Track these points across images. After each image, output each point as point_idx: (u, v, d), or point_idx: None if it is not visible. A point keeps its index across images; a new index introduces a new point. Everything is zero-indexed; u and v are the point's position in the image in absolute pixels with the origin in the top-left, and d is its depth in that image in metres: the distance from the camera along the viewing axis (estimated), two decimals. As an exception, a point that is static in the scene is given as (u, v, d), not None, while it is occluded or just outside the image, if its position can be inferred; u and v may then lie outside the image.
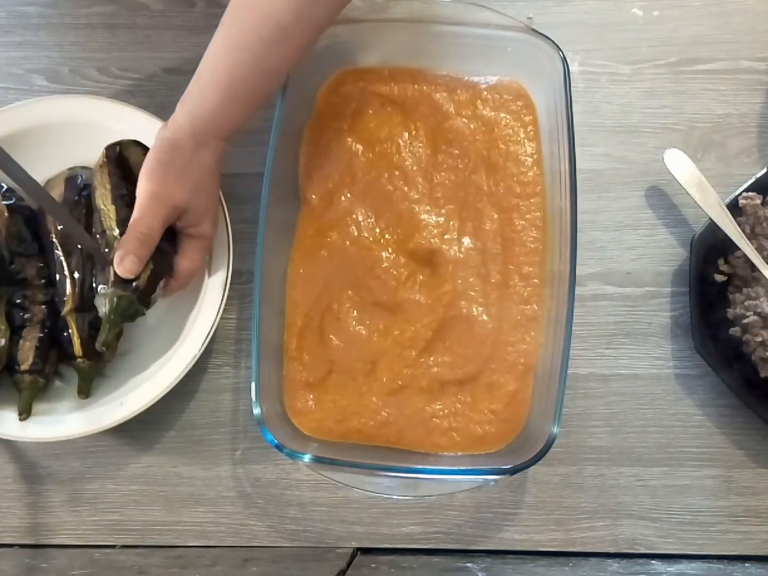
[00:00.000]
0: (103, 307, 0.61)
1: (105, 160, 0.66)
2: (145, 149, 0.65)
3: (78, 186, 0.68)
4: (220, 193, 0.68)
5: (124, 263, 0.60)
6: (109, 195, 0.65)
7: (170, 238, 0.64)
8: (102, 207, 0.65)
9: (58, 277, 0.67)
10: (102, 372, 0.68)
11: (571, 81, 0.66)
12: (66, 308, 0.66)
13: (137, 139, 0.68)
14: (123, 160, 0.67)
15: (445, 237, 0.68)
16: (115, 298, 0.61)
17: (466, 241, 0.68)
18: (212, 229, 0.65)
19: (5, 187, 0.69)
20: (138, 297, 0.61)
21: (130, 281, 0.61)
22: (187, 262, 0.64)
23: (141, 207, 0.61)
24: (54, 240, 0.67)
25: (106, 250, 0.63)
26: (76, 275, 0.66)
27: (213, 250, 0.68)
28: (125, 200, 0.64)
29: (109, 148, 0.67)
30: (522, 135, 0.71)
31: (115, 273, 0.60)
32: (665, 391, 0.69)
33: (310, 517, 0.68)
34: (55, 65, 0.73)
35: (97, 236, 0.65)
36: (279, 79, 0.63)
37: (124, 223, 0.62)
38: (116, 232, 0.63)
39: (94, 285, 0.64)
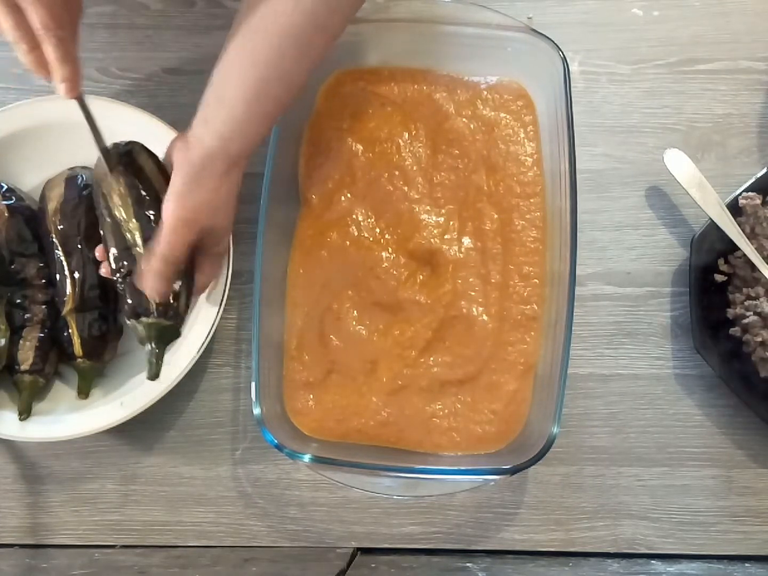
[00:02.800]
0: (146, 337, 0.61)
1: (121, 168, 0.62)
2: (152, 154, 0.64)
3: (78, 186, 0.68)
4: None
5: (158, 288, 0.59)
6: (131, 209, 0.61)
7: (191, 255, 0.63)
8: (122, 219, 0.62)
9: (58, 277, 0.67)
10: (102, 372, 0.68)
11: (571, 81, 0.66)
12: (66, 308, 0.66)
13: (140, 142, 0.66)
14: (139, 170, 0.63)
15: (445, 237, 0.68)
16: (159, 327, 0.61)
17: (466, 241, 0.68)
18: (224, 246, 0.66)
19: (5, 187, 0.69)
20: (178, 322, 0.62)
21: (170, 308, 0.61)
22: (203, 278, 0.64)
23: (170, 231, 0.58)
24: (54, 240, 0.67)
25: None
26: (76, 275, 0.66)
27: (213, 250, 0.68)
28: (147, 218, 0.61)
29: (121, 155, 0.63)
30: (522, 135, 0.71)
31: (156, 302, 0.60)
32: (665, 391, 0.69)
33: (310, 517, 0.68)
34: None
35: (113, 249, 0.62)
36: (298, 91, 0.62)
37: (148, 241, 0.60)
38: (142, 249, 0.61)
39: (127, 305, 0.62)
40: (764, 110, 0.74)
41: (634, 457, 0.68)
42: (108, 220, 0.62)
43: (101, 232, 0.63)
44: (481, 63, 0.71)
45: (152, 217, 0.61)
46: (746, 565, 0.66)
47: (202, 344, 0.66)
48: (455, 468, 0.62)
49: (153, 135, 0.69)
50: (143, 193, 0.62)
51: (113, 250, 0.62)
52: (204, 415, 0.70)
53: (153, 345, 0.61)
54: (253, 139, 0.60)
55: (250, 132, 0.60)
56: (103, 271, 0.63)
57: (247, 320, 0.71)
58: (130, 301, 0.61)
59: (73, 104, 0.70)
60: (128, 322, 0.62)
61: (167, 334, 0.62)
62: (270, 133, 0.64)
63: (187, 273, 0.62)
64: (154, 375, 0.61)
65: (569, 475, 0.68)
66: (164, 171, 0.63)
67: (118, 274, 0.62)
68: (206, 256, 0.64)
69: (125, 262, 0.61)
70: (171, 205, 0.59)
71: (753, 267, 0.67)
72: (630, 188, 0.73)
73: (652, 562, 0.67)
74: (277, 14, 0.57)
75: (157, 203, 0.60)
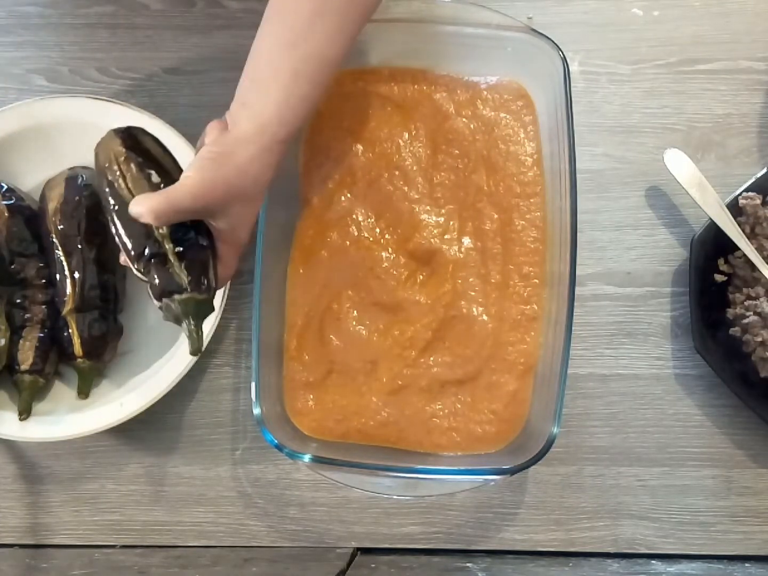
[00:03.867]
0: (182, 313, 0.58)
1: (125, 150, 0.60)
2: (154, 137, 0.64)
3: (78, 186, 0.68)
4: None
5: (145, 208, 0.55)
6: (146, 183, 0.59)
7: (195, 226, 0.59)
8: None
9: (58, 277, 0.67)
10: (102, 372, 0.68)
11: (571, 81, 0.66)
12: (66, 308, 0.66)
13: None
14: (145, 151, 0.61)
15: (445, 237, 0.68)
16: (195, 302, 0.58)
17: (466, 241, 0.68)
18: (249, 237, 0.62)
19: (5, 187, 0.69)
20: (211, 296, 0.59)
21: (202, 282, 0.58)
22: (225, 270, 0.62)
23: (180, 193, 0.56)
24: (54, 240, 0.67)
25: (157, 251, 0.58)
26: (76, 275, 0.66)
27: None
28: None
29: (125, 138, 0.61)
30: (522, 135, 0.71)
31: (187, 277, 0.57)
32: (665, 391, 0.69)
33: (310, 517, 0.68)
34: (55, 65, 0.73)
35: (126, 238, 0.59)
36: (335, 71, 0.61)
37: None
38: (164, 230, 0.58)
39: (155, 287, 0.58)
40: (764, 110, 0.74)
41: (634, 457, 0.68)
42: (118, 207, 0.59)
43: (112, 223, 0.60)
44: (481, 63, 0.71)
45: None
46: (746, 565, 0.66)
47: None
48: (455, 468, 0.62)
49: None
50: (154, 172, 0.60)
51: (129, 238, 0.59)
52: (204, 415, 0.70)
53: (191, 320, 0.58)
54: (290, 122, 0.59)
55: (287, 116, 0.58)
56: (123, 258, 0.60)
57: (247, 320, 0.71)
58: (158, 281, 0.58)
59: (73, 104, 0.70)
60: (160, 302, 0.58)
61: (202, 308, 0.59)
62: (310, 115, 0.61)
63: (215, 251, 0.60)
64: (197, 350, 0.58)
65: (569, 475, 0.68)
66: (169, 153, 0.62)
67: (138, 261, 0.58)
68: (225, 246, 0.61)
69: (145, 247, 0.58)
70: (189, 173, 0.57)
71: (753, 267, 0.67)
72: (630, 188, 0.73)
73: (652, 562, 0.67)
74: None
75: (171, 182, 0.58)
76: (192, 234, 0.59)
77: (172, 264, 0.58)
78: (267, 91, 0.58)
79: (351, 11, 0.59)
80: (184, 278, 0.58)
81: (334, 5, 0.57)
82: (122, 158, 0.60)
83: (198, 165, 0.57)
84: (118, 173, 0.60)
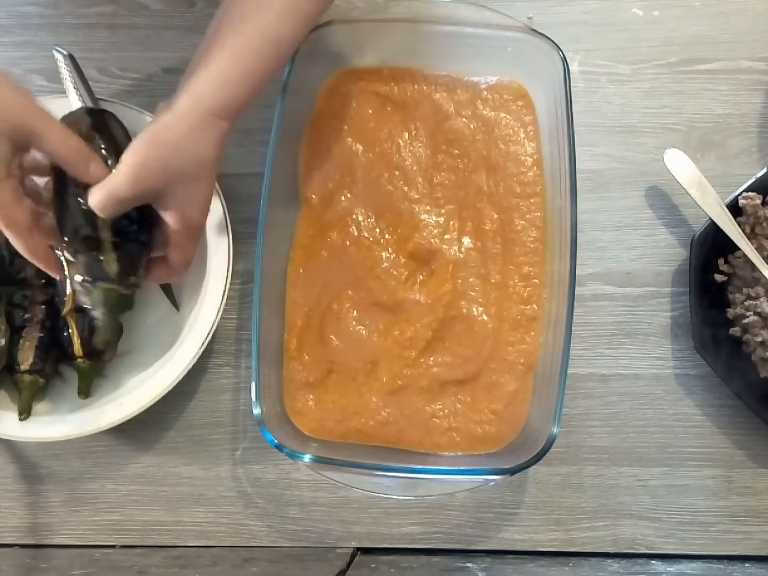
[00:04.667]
0: (100, 303, 0.59)
1: (92, 131, 0.61)
2: (122, 125, 0.64)
3: (78, 186, 0.68)
4: (218, 189, 0.67)
5: (105, 204, 0.56)
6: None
7: (141, 220, 0.60)
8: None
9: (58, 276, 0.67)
10: (102, 372, 0.68)
11: (571, 81, 0.66)
12: (66, 308, 0.66)
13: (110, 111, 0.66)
14: (111, 137, 0.62)
15: (445, 237, 0.68)
16: (117, 295, 0.59)
17: (466, 241, 0.68)
18: (200, 217, 0.60)
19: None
20: (133, 293, 0.60)
21: (130, 278, 0.59)
22: (178, 255, 0.61)
23: (115, 175, 0.56)
24: (54, 240, 0.67)
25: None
26: (76, 275, 0.66)
27: (213, 251, 0.68)
28: None
29: (95, 120, 0.62)
30: (522, 135, 0.71)
31: (117, 268, 0.58)
32: (665, 391, 0.69)
33: (310, 517, 0.68)
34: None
35: (66, 215, 0.59)
36: (287, 53, 0.61)
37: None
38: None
39: (83, 266, 0.59)
40: (764, 110, 0.74)
41: (634, 457, 0.68)
42: (68, 187, 0.59)
43: (58, 199, 0.59)
44: (481, 63, 0.71)
45: None
46: (746, 565, 0.66)
47: (202, 344, 0.66)
48: (455, 468, 0.62)
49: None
50: (112, 160, 0.59)
51: (69, 217, 0.59)
52: (204, 415, 0.70)
53: (107, 311, 0.59)
54: (229, 96, 0.58)
55: (225, 90, 0.58)
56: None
57: (247, 320, 0.71)
58: (85, 264, 0.58)
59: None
60: (82, 284, 0.59)
61: (122, 302, 0.60)
62: (257, 91, 0.59)
63: (146, 245, 0.60)
64: (106, 342, 0.60)
65: (569, 475, 0.68)
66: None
67: (71, 241, 0.58)
68: (179, 229, 0.59)
69: (81, 227, 0.58)
70: (130, 151, 0.56)
71: (753, 267, 0.67)
72: (630, 188, 0.73)
73: (652, 562, 0.67)
74: None
75: None
76: (134, 227, 0.59)
77: (105, 251, 0.58)
78: (207, 67, 0.58)
79: None
80: (114, 268, 0.58)
81: None
82: (86, 137, 0.60)
83: (132, 149, 0.56)
84: None
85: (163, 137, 0.57)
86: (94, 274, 0.59)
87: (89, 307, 0.59)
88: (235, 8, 0.59)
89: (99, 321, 0.60)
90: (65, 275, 0.60)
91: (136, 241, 0.60)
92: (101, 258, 0.59)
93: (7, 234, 0.56)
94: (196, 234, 0.61)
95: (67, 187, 0.59)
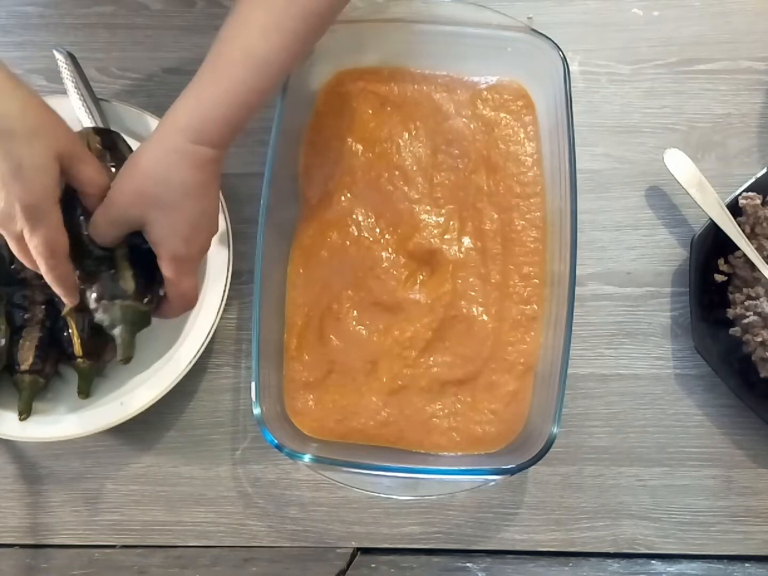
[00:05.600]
0: (119, 319, 0.59)
1: (103, 149, 0.62)
2: (130, 147, 0.65)
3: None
4: (220, 196, 0.67)
5: (102, 231, 0.57)
6: None
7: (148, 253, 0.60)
8: None
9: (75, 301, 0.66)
10: (102, 372, 0.68)
11: (571, 81, 0.66)
12: (66, 308, 0.66)
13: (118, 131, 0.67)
14: (121, 158, 0.63)
15: (445, 237, 0.68)
16: (135, 311, 0.59)
17: (466, 241, 0.68)
18: (184, 248, 0.57)
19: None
20: (151, 310, 0.60)
21: (147, 295, 0.59)
22: (172, 289, 0.59)
23: (108, 195, 0.57)
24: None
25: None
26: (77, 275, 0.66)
27: (213, 251, 0.68)
28: None
29: (104, 139, 0.63)
30: (522, 135, 0.71)
31: (134, 285, 0.58)
32: (665, 391, 0.69)
33: (310, 517, 0.68)
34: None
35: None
36: (275, 73, 0.57)
37: None
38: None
39: (101, 287, 0.60)
40: (764, 110, 0.74)
41: (634, 457, 0.68)
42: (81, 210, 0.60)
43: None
44: (481, 63, 0.71)
45: None
46: (746, 565, 0.66)
47: (202, 344, 0.66)
48: (455, 468, 0.62)
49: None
50: None
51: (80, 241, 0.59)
52: (204, 415, 0.70)
53: (125, 328, 0.58)
54: (208, 117, 0.55)
55: (203, 112, 0.55)
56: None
57: (247, 320, 0.71)
58: (103, 283, 0.59)
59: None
60: (98, 304, 0.58)
61: (140, 319, 0.59)
62: (244, 117, 0.57)
63: (141, 257, 0.59)
64: (127, 358, 0.59)
65: (569, 475, 0.68)
66: None
67: (86, 259, 0.59)
68: (162, 259, 0.57)
69: (94, 248, 0.59)
70: (117, 176, 0.57)
71: (753, 267, 0.67)
72: (630, 188, 0.73)
73: (652, 562, 0.67)
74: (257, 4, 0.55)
75: None
76: (148, 245, 0.58)
77: (121, 269, 0.59)
78: (187, 89, 0.56)
79: (287, 9, 0.55)
80: (130, 285, 0.58)
81: (281, 17, 0.55)
82: (98, 155, 0.61)
83: (120, 172, 0.57)
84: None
85: (135, 161, 0.56)
86: (112, 293, 0.58)
87: (107, 324, 0.59)
88: (223, 28, 0.57)
89: (118, 338, 0.59)
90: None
91: (152, 258, 0.59)
92: (117, 276, 0.59)
93: (44, 261, 0.54)
94: (185, 267, 0.58)
95: (75, 210, 0.59)
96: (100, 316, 0.59)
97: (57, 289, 0.57)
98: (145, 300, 0.60)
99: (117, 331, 0.59)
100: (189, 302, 0.61)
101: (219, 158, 0.57)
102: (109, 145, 0.64)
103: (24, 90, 0.53)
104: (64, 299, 0.58)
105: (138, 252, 0.59)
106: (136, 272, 0.59)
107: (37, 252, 0.54)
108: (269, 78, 0.57)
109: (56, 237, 0.54)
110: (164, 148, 0.55)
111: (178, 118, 0.56)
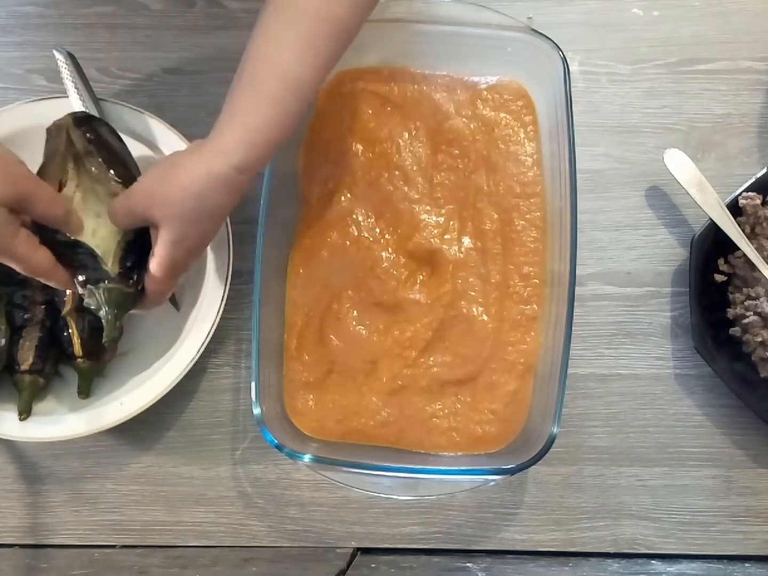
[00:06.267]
0: (104, 302, 0.59)
1: (89, 146, 0.61)
2: (111, 129, 0.65)
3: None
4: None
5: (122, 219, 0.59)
6: (109, 180, 0.61)
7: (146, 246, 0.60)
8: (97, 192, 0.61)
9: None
10: (102, 372, 0.68)
11: (571, 81, 0.66)
12: (66, 308, 0.66)
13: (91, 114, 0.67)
14: (107, 147, 0.63)
15: (445, 237, 0.68)
16: (119, 293, 0.59)
17: (466, 241, 0.68)
18: (184, 260, 0.58)
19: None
20: (135, 293, 0.60)
21: (130, 277, 0.60)
22: (150, 283, 0.60)
23: (133, 187, 0.58)
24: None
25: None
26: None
27: (213, 251, 0.68)
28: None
29: (84, 128, 0.62)
30: (522, 135, 0.71)
31: (119, 268, 0.59)
32: (665, 391, 0.69)
33: (310, 517, 0.68)
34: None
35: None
36: (309, 95, 0.57)
37: None
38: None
39: (79, 281, 0.60)
40: (764, 110, 0.74)
41: (634, 457, 0.68)
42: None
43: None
44: (481, 63, 0.71)
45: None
46: (746, 565, 0.66)
47: (202, 344, 0.66)
48: (455, 468, 0.62)
49: (153, 135, 0.69)
50: (113, 172, 0.61)
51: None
52: (204, 415, 0.70)
53: (110, 309, 0.59)
54: (253, 146, 0.56)
55: (250, 143, 0.56)
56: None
57: (247, 320, 0.71)
58: (87, 268, 0.59)
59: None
60: (86, 288, 0.59)
61: (125, 300, 0.60)
62: (281, 141, 0.57)
63: (146, 253, 0.60)
64: (112, 339, 0.59)
65: (569, 475, 0.68)
66: (125, 146, 0.64)
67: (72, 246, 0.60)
68: (163, 264, 0.58)
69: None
70: (152, 170, 0.58)
71: (753, 267, 0.67)
72: (630, 188, 0.73)
73: (652, 562, 0.67)
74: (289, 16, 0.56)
75: (131, 178, 0.61)
76: (141, 232, 0.60)
77: (112, 252, 0.60)
78: (231, 118, 0.56)
79: (319, 27, 0.56)
80: (115, 268, 0.59)
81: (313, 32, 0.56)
82: (84, 153, 0.61)
83: (150, 170, 0.58)
84: (83, 166, 0.61)
85: (173, 171, 0.57)
86: (96, 277, 0.59)
87: (94, 308, 0.60)
88: (253, 43, 0.57)
89: (104, 320, 0.60)
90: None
91: (142, 246, 0.60)
92: (101, 260, 0.59)
93: (36, 277, 0.58)
94: (175, 272, 0.59)
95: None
96: (87, 300, 0.60)
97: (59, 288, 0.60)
98: (131, 282, 0.60)
99: (102, 313, 0.60)
100: (160, 301, 0.62)
101: (251, 182, 0.58)
102: (93, 138, 0.62)
103: None
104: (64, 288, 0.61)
105: (141, 238, 0.60)
106: (126, 256, 0.60)
107: (26, 273, 0.57)
108: (305, 99, 0.58)
109: (30, 260, 0.56)
110: (208, 168, 0.55)
111: (226, 142, 0.56)
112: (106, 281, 0.59)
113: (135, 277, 0.60)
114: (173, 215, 0.56)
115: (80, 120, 0.63)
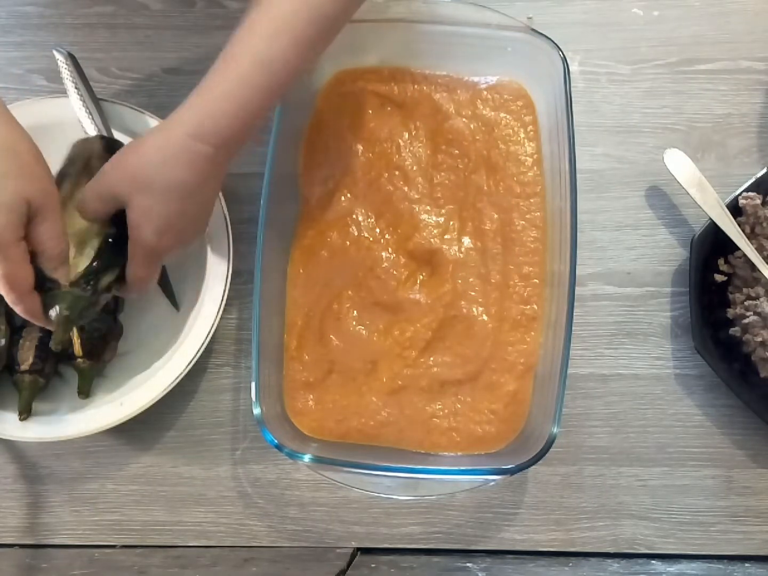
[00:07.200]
0: (61, 308, 0.58)
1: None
2: None
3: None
4: (219, 196, 0.67)
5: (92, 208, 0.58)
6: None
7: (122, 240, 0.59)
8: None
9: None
10: (102, 372, 0.68)
11: (571, 81, 0.66)
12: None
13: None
14: None
15: (445, 237, 0.68)
16: (72, 299, 0.58)
17: (466, 241, 0.68)
18: (152, 238, 0.57)
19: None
20: (93, 297, 0.59)
21: (86, 280, 0.58)
22: (132, 271, 0.59)
23: (101, 171, 0.58)
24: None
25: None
26: (76, 275, 0.66)
27: (213, 251, 0.68)
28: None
29: (104, 146, 0.63)
30: (522, 135, 0.71)
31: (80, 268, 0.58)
32: (665, 391, 0.69)
33: (310, 517, 0.68)
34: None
35: None
36: (284, 77, 0.57)
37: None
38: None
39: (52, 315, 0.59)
40: (764, 110, 0.74)
41: (634, 457, 0.68)
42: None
43: None
44: (481, 63, 0.71)
45: None
46: (746, 565, 0.66)
47: (202, 344, 0.66)
48: (455, 468, 0.62)
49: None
50: None
51: None
52: (204, 415, 0.70)
53: (58, 310, 0.57)
54: (211, 115, 0.56)
55: (206, 109, 0.56)
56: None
57: (247, 320, 0.71)
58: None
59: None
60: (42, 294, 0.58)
61: (79, 304, 0.58)
62: (249, 120, 0.57)
63: (115, 255, 0.59)
64: (59, 341, 0.58)
65: (569, 475, 0.68)
66: None
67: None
68: (133, 245, 0.58)
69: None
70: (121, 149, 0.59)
71: (753, 267, 0.67)
72: (630, 188, 0.73)
73: (652, 562, 0.67)
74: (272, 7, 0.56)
75: None
76: (118, 232, 0.59)
77: (83, 253, 0.59)
78: (193, 92, 0.57)
79: (295, 15, 0.56)
80: (81, 268, 0.58)
81: (295, 22, 0.56)
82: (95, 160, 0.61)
83: (119, 150, 0.59)
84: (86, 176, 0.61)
85: (138, 145, 0.58)
86: (51, 284, 0.58)
87: (52, 312, 0.58)
88: (233, 34, 0.58)
89: (54, 321, 0.58)
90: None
91: (120, 245, 0.59)
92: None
93: (7, 293, 0.54)
94: (148, 257, 0.59)
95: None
96: (45, 307, 0.58)
97: (24, 316, 0.57)
98: (88, 285, 0.58)
99: (52, 313, 0.58)
100: (141, 288, 0.61)
101: (217, 159, 0.57)
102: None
103: (15, 134, 0.56)
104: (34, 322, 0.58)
105: (121, 239, 0.59)
106: (101, 255, 0.59)
107: (1, 282, 0.54)
108: (274, 77, 0.57)
109: (16, 272, 0.54)
110: (166, 138, 0.57)
111: (183, 112, 0.57)
112: (61, 286, 0.58)
113: (92, 282, 0.59)
114: (138, 189, 0.56)
115: (109, 146, 0.63)
